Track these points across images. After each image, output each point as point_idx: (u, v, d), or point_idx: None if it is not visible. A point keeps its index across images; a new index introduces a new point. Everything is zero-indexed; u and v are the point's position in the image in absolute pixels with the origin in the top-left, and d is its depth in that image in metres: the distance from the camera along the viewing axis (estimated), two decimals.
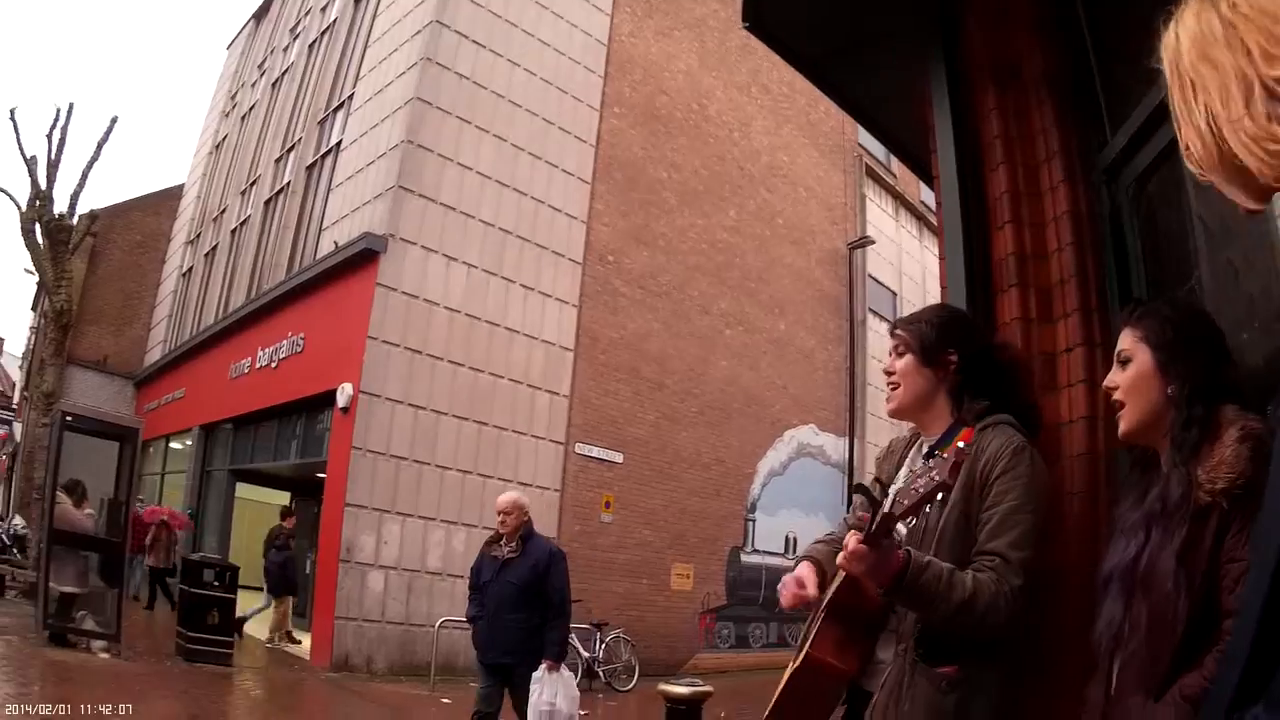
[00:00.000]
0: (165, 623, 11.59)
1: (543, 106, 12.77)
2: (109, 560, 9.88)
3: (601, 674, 10.87)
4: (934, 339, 1.91)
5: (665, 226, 13.96)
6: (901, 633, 1.76)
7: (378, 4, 14.47)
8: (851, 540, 1.59)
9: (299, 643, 11.20)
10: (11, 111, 15.77)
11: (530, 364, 11.99)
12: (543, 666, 4.92)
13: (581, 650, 10.52)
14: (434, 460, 10.92)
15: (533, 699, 4.88)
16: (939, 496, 1.61)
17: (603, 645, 11.03)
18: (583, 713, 9.19)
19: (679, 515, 13.42)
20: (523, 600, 4.98)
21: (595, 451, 12.46)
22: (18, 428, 32.01)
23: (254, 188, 17.55)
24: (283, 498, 16.99)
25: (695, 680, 4.61)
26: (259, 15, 23.82)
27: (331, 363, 11.32)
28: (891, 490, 1.77)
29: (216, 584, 9.83)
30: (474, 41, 12.23)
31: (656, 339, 13.50)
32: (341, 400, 10.63)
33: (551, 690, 4.86)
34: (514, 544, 5.15)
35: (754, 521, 14.84)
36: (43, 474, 13.22)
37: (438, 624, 10.01)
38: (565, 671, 5.00)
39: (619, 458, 12.74)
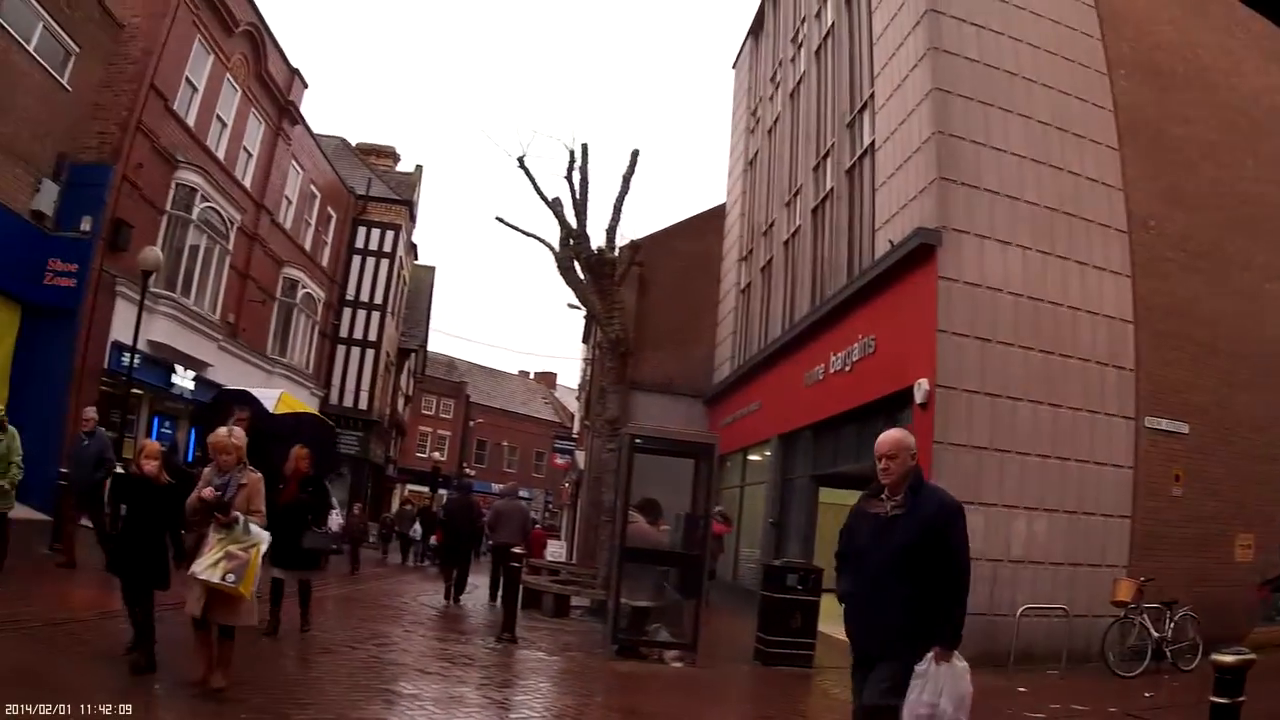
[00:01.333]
0: (740, 629, 13.40)
1: (1054, 78, 13.56)
2: (687, 573, 11.36)
3: (1168, 654, 11.42)
4: None
5: (1191, 185, 14.02)
6: None
7: (869, 2, 16.38)
8: None
9: None
10: (520, 160, 17.35)
11: (1095, 340, 12.80)
12: (929, 656, 4.39)
13: (1152, 630, 11.24)
14: (1012, 448, 12.18)
15: (910, 699, 4.40)
16: None
17: (1172, 624, 11.54)
18: (1148, 694, 9.90)
19: (1241, 483, 13.38)
20: (910, 569, 4.47)
21: (1163, 424, 12.97)
22: (580, 455, 39.42)
23: (798, 198, 20.31)
24: None
25: (1242, 649, 5.06)
26: (754, 31, 27.26)
27: (905, 360, 12.97)
28: None
29: (800, 588, 11.30)
30: (972, 24, 13.44)
31: (1203, 302, 13.63)
32: (919, 396, 12.11)
33: (935, 688, 4.36)
34: (899, 496, 4.63)
35: None
36: (610, 497, 15.11)
37: (1018, 612, 11.19)
38: (958, 662, 4.44)
39: (1184, 428, 13.10)
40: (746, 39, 28.55)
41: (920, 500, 4.60)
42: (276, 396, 11.84)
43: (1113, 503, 12.72)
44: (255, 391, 11.49)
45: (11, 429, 10.19)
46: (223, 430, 6.81)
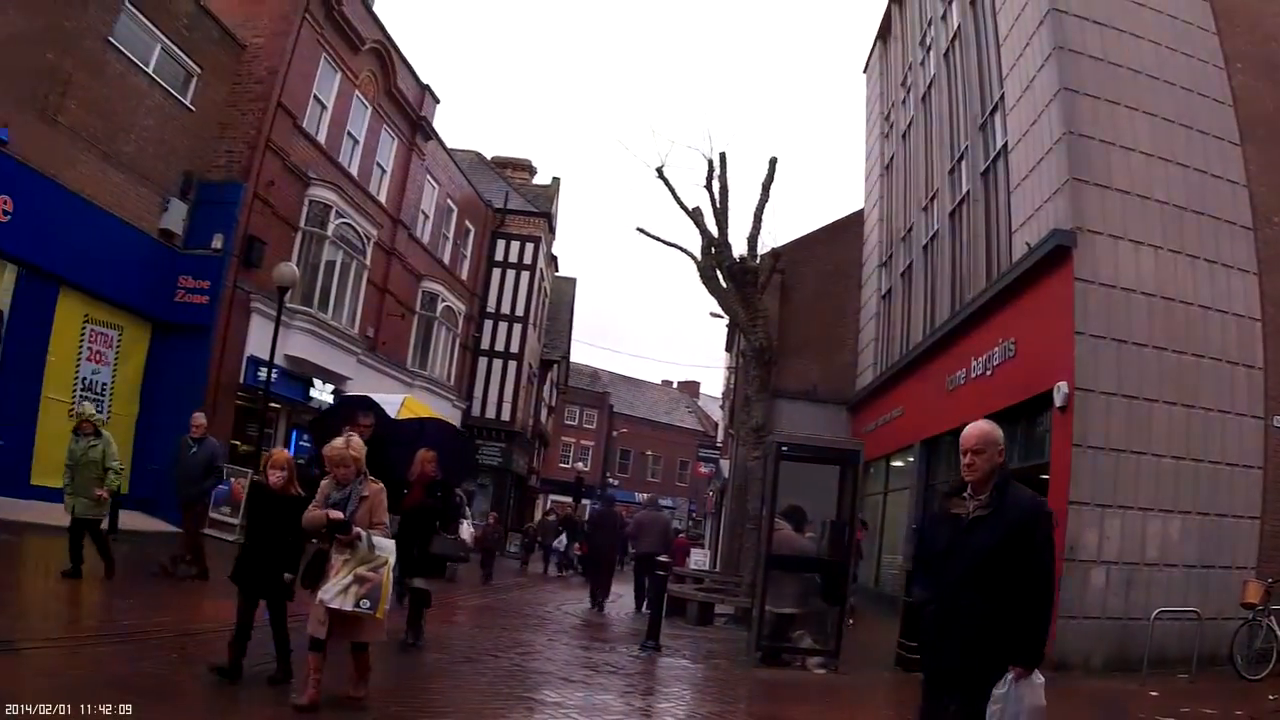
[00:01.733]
0: (882, 635, 13.44)
1: (1174, 74, 13.53)
2: (831, 579, 11.51)
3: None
4: None
5: None
6: None
7: (993, 3, 16.54)
8: None
9: None
10: (659, 170, 17.82)
11: (1224, 339, 12.76)
12: (1008, 677, 4.03)
13: (1278, 632, 11.09)
14: (1147, 449, 12.24)
15: None
16: None
17: None
18: (1271, 697, 9.91)
19: None
20: (993, 578, 4.11)
21: None
22: (724, 464, 39.61)
23: (934, 202, 20.48)
24: None
25: None
26: (882, 35, 27.46)
27: (1044, 363, 13.11)
28: None
29: None
30: (1094, 22, 13.51)
31: None
32: (1058, 399, 12.26)
33: (1015, 709, 4.01)
34: (984, 496, 4.26)
35: None
36: (756, 504, 15.42)
37: (1153, 615, 11.17)
38: (1037, 678, 4.07)
39: None
40: (875, 43, 28.81)
41: (1008, 501, 4.21)
42: (400, 402, 11.66)
43: (1243, 504, 12.67)
44: (377, 397, 11.19)
45: (106, 434, 10.32)
46: (338, 441, 6.47)
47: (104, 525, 10.88)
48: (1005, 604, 4.08)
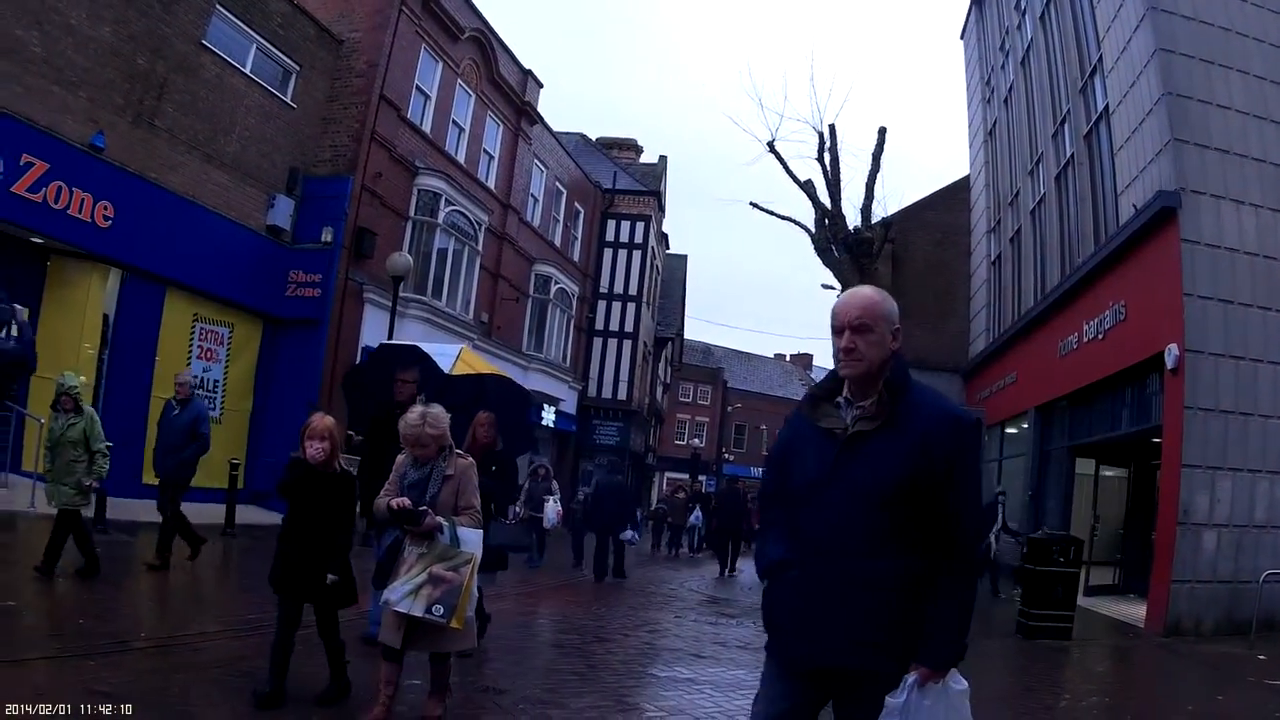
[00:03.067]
0: (998, 602, 13.84)
1: (1264, 31, 13.35)
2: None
3: None
4: None
5: None
6: None
7: None
8: None
9: None
10: (770, 144, 18.21)
11: None
12: (909, 680, 2.59)
13: None
14: (1255, 411, 12.24)
15: None
16: None
17: None
18: None
19: None
20: (892, 524, 2.66)
21: None
22: None
23: (1040, 166, 20.34)
24: (1118, 469, 19.41)
25: None
26: (978, 0, 27.30)
27: (1154, 325, 13.16)
28: None
29: (1061, 560, 11.62)
30: None
31: None
32: (1169, 361, 12.33)
33: None
34: (869, 401, 2.76)
35: None
36: None
37: (1261, 578, 11.21)
38: (956, 682, 2.64)
39: None
40: (971, 8, 28.57)
41: (908, 408, 2.75)
42: (455, 354, 9.69)
43: None
44: (428, 347, 9.64)
45: (89, 410, 8.98)
46: (413, 414, 5.34)
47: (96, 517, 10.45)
48: (911, 565, 2.67)
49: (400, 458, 5.41)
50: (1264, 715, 7.89)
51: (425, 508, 5.10)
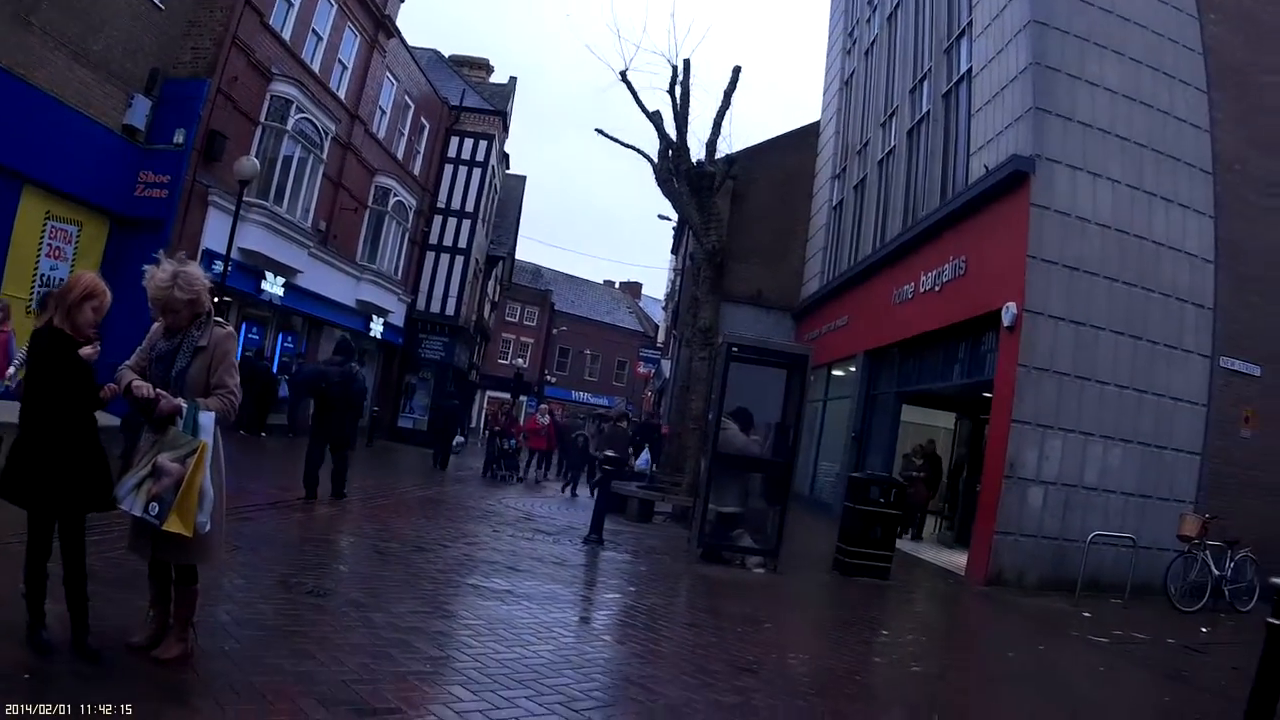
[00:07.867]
0: (818, 540, 14.01)
1: (1146, 17, 13.76)
2: (774, 481, 11.78)
3: (1226, 593, 11.83)
4: None
5: (1278, 132, 14.25)
6: None
7: None
8: None
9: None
10: (623, 73, 17.97)
11: (1176, 277, 13.21)
12: None
13: (1213, 568, 11.66)
14: (1093, 376, 12.73)
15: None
16: None
17: (1232, 564, 11.91)
18: (1204, 629, 10.44)
19: None
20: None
21: (1236, 365, 13.41)
22: (665, 365, 39.67)
23: (893, 119, 20.69)
24: (944, 419, 20.31)
25: None
26: None
27: (994, 283, 13.50)
28: None
29: (881, 501, 11.70)
30: None
31: None
32: (1007, 319, 12.67)
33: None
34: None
35: None
36: (699, 405, 16.09)
37: (1089, 538, 11.78)
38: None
39: (1257, 371, 13.51)
40: None
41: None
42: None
43: (1185, 438, 13.26)
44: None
45: None
46: (162, 272, 4.47)
47: None
48: None
49: (154, 327, 4.59)
50: (1088, 666, 8.13)
51: (159, 390, 4.28)
